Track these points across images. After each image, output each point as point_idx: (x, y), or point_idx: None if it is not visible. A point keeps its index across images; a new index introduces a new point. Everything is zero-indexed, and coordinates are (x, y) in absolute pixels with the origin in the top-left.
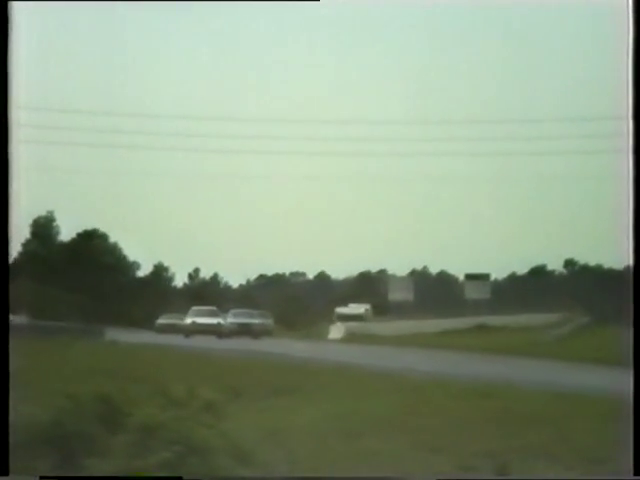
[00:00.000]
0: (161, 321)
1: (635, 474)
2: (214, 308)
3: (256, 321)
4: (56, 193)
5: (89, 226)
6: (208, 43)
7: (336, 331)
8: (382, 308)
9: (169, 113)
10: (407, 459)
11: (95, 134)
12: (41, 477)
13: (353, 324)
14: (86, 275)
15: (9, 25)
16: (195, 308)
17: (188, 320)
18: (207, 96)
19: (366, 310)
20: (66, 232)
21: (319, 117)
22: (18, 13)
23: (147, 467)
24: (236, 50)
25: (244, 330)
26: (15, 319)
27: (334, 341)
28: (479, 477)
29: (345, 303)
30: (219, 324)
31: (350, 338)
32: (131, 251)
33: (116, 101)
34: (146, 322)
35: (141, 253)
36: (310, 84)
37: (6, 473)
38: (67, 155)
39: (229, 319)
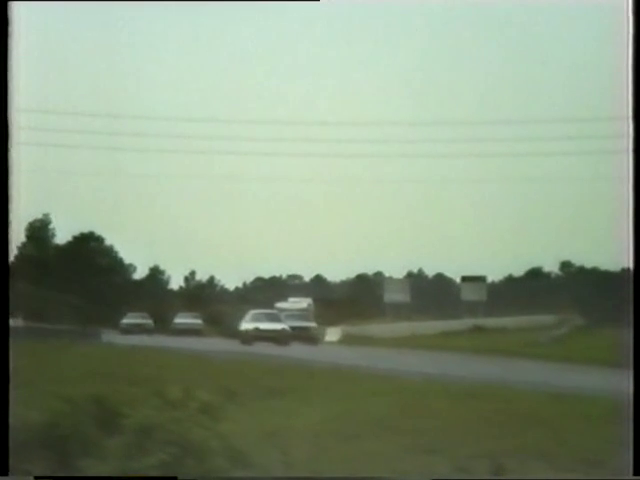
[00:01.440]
0: (126, 321)
1: (635, 474)
2: (275, 312)
3: (313, 324)
4: (52, 195)
5: (85, 228)
6: (205, 45)
7: (333, 334)
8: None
9: (164, 115)
10: (404, 461)
11: (90, 136)
12: (36, 477)
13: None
14: (82, 278)
15: (9, 26)
16: (254, 312)
17: (248, 325)
18: (204, 98)
19: (309, 305)
20: (62, 235)
21: (317, 119)
22: (18, 14)
23: (143, 468)
24: (234, 52)
25: (302, 335)
26: (11, 322)
27: (331, 343)
28: (476, 478)
29: (342, 305)
30: (284, 330)
31: (347, 340)
32: (127, 254)
33: (111, 103)
34: None
35: (137, 256)
36: (309, 86)
37: (6, 473)
38: (62, 157)
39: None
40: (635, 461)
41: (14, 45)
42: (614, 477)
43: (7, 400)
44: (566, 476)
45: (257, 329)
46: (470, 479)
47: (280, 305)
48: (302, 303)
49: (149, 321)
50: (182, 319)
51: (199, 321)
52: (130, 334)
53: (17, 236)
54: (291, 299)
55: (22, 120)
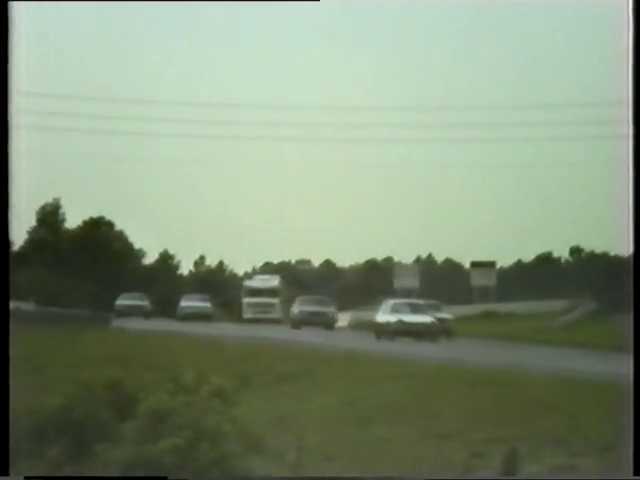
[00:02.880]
0: (120, 302)
1: (635, 474)
2: (421, 301)
3: (449, 316)
4: (60, 179)
5: (94, 213)
6: (206, 31)
7: (343, 319)
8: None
9: (171, 100)
10: (418, 445)
11: (98, 121)
12: (26, 477)
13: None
14: (92, 262)
15: (10, 13)
16: (394, 302)
17: (390, 317)
18: (209, 83)
19: (280, 283)
20: (72, 219)
21: (322, 104)
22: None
23: (157, 453)
24: (234, 38)
25: (440, 329)
26: (23, 306)
27: (342, 328)
28: (476, 477)
29: (352, 290)
30: (433, 323)
31: (358, 325)
32: (137, 239)
33: (121, 88)
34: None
35: (147, 241)
36: (313, 73)
37: (6, 473)
38: (70, 141)
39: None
40: (635, 461)
41: (15, 30)
42: (614, 477)
43: (7, 402)
44: (575, 460)
45: (401, 322)
46: (470, 478)
47: (249, 283)
48: (273, 281)
49: (146, 302)
50: (189, 302)
51: (208, 304)
52: (125, 317)
53: (21, 220)
54: (259, 276)
55: (23, 104)
